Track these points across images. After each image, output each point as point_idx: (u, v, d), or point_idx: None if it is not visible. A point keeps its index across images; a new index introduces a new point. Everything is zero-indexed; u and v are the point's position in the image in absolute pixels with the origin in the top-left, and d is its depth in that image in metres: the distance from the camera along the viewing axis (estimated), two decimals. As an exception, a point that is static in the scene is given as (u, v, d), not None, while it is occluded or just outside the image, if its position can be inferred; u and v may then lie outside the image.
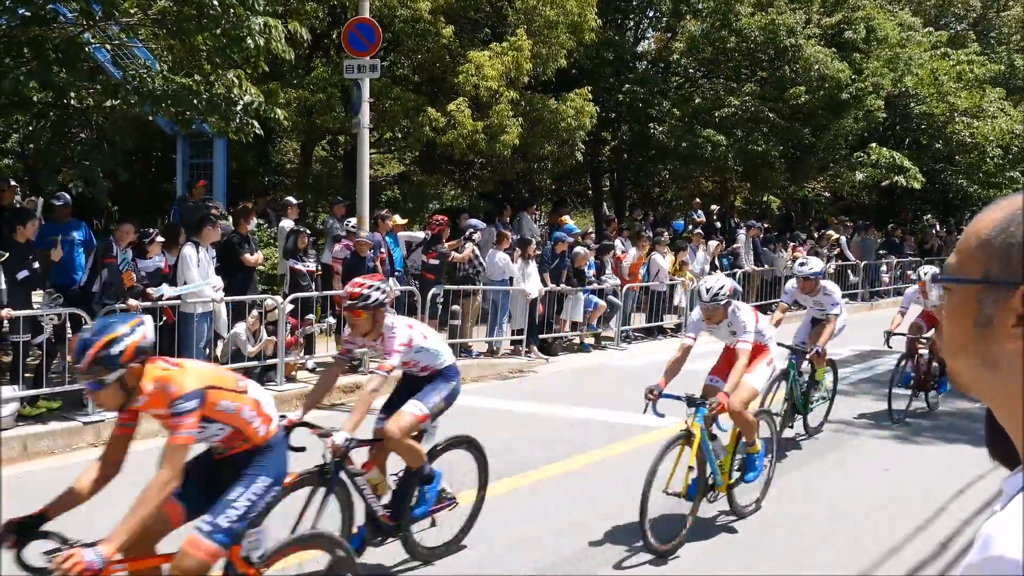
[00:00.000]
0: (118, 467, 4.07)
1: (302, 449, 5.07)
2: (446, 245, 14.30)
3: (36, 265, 9.59)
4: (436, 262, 14.01)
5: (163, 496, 3.86)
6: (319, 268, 13.40)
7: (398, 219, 14.53)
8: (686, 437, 6.54)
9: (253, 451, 4.41)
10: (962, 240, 1.30)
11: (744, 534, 6.87)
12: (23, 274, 9.28)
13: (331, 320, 12.79)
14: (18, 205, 12.22)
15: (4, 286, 9.04)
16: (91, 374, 3.80)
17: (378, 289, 5.76)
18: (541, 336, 14.82)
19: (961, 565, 1.15)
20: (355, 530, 5.75)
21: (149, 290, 10.22)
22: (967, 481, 8.02)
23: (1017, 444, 1.26)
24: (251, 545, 4.35)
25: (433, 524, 6.22)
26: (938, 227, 30.96)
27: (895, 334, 10.69)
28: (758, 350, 7.33)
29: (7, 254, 9.12)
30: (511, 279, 14.49)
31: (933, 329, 10.37)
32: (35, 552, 3.75)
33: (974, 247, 1.27)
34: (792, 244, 21.99)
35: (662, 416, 6.55)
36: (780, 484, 8.12)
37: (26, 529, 3.81)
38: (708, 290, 7.01)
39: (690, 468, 6.60)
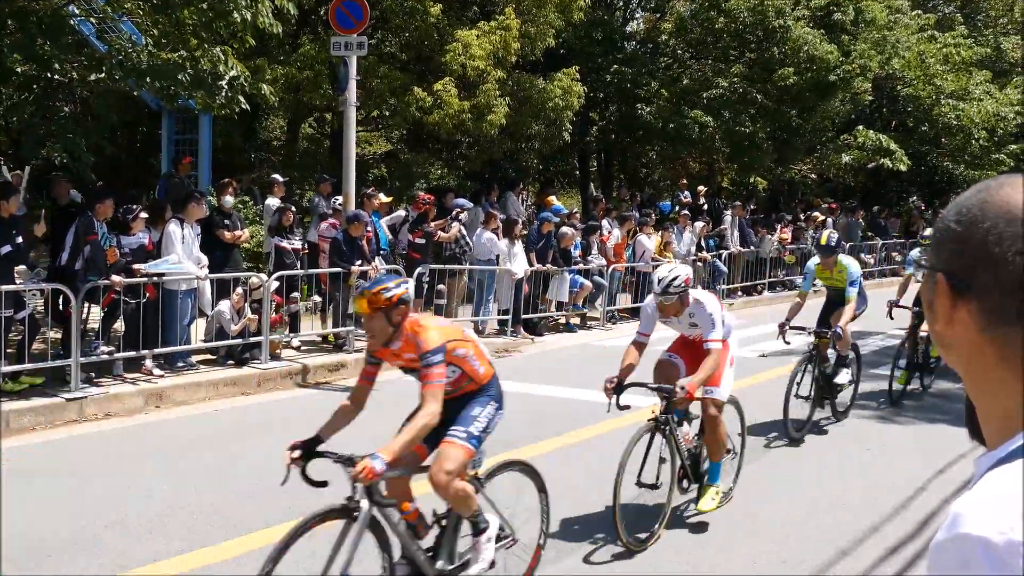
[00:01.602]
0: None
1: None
2: (432, 225, 14.27)
3: (19, 240, 9.52)
4: (422, 241, 13.99)
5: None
6: (305, 246, 13.37)
7: (383, 198, 14.48)
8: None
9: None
10: None
11: (722, 516, 6.91)
12: (6, 249, 9.22)
13: (316, 299, 12.77)
14: (0, 180, 12.14)
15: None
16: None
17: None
18: (526, 316, 14.83)
19: (931, 544, 1.16)
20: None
21: (136, 266, 10.17)
22: (948, 461, 8.09)
23: (981, 422, 1.29)
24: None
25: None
26: (923, 209, 31.06)
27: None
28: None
29: None
30: (497, 258, 14.48)
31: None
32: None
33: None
34: (778, 225, 22.06)
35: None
36: (762, 463, 8.18)
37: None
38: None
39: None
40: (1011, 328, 1.21)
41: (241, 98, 11.10)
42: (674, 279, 6.33)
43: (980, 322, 1.23)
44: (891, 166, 24.76)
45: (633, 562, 5.99)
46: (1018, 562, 1.05)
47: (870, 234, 25.92)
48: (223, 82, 10.73)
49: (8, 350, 9.32)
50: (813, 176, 30.54)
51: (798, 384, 9.03)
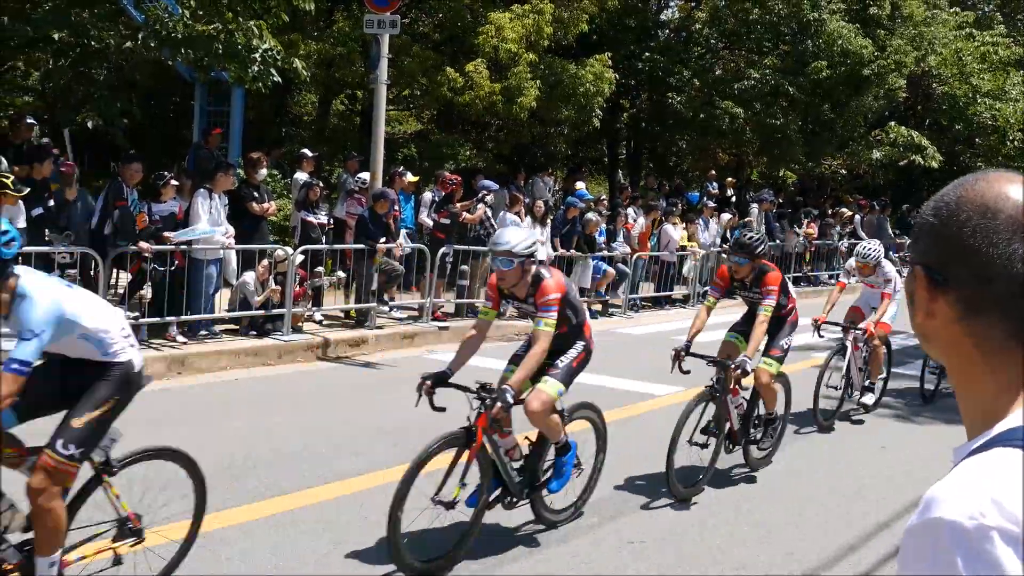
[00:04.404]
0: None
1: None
2: (458, 205, 14.32)
3: (51, 203, 9.68)
4: (447, 221, 14.04)
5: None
6: (331, 221, 13.47)
7: (410, 177, 14.55)
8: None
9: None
10: None
11: (742, 502, 6.96)
12: (37, 211, 9.37)
13: (340, 274, 12.87)
14: (35, 143, 12.31)
15: (24, 223, 9.14)
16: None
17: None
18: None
19: (905, 528, 1.20)
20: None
21: (166, 234, 10.30)
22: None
23: (963, 414, 1.33)
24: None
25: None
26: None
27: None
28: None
29: (27, 189, 9.19)
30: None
31: None
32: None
33: None
34: (805, 220, 21.94)
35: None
36: (777, 458, 8.21)
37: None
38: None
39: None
40: (987, 319, 1.25)
41: (273, 71, 11.19)
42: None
43: (957, 313, 1.27)
44: (923, 163, 24.54)
45: (647, 545, 6.05)
46: (987, 546, 1.08)
47: (897, 231, 25.72)
48: (256, 55, 10.82)
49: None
50: (843, 172, 30.32)
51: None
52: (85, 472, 4.47)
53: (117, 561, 4.66)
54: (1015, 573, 1.07)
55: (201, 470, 4.98)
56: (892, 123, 24.63)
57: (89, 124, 11.24)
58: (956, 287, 1.26)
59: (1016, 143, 27.19)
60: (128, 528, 4.71)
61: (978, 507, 1.11)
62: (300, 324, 11.80)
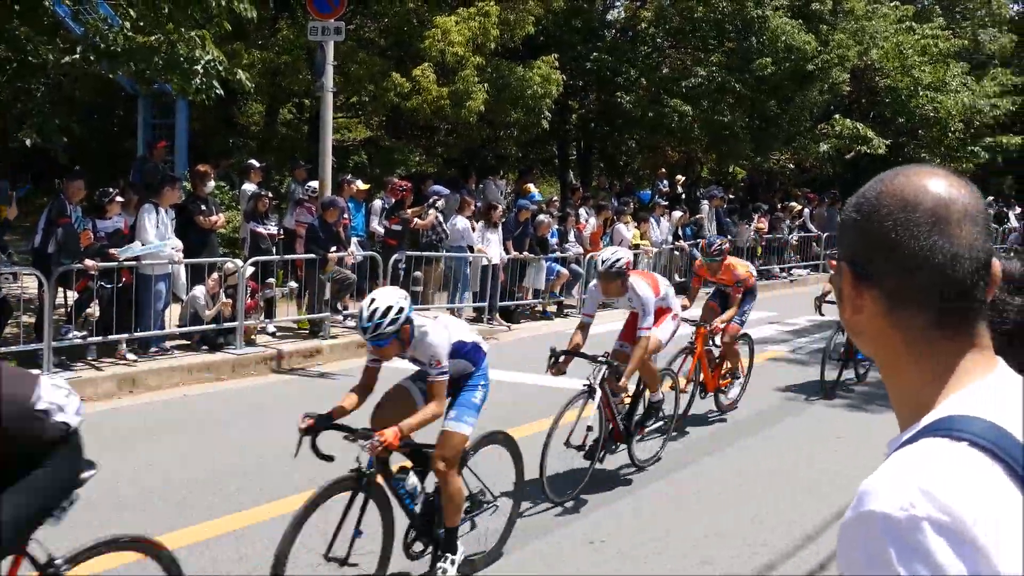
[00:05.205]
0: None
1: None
2: (408, 211, 14.26)
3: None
4: (399, 228, 13.98)
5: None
6: (281, 232, 13.34)
7: (360, 184, 14.46)
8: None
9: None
10: None
11: (695, 492, 6.98)
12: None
13: (292, 284, 12.75)
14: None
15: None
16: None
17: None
18: (503, 304, 14.86)
19: (840, 523, 1.21)
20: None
21: (112, 251, 10.13)
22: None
23: (893, 406, 1.35)
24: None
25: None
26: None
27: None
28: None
29: None
30: (470, 247, 14.50)
31: None
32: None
33: None
34: (756, 215, 22.14)
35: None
36: (738, 445, 8.26)
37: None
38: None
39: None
40: (911, 312, 1.27)
41: (216, 83, 11.04)
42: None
43: (883, 307, 1.29)
44: (869, 152, 24.90)
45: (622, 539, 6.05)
46: (919, 536, 1.10)
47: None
48: (199, 66, 10.67)
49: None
50: (791, 166, 30.65)
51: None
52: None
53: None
54: (946, 562, 1.08)
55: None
56: (837, 116, 24.94)
57: (27, 141, 11.02)
58: (880, 281, 1.28)
59: (957, 134, 27.67)
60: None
61: (908, 498, 1.12)
62: (253, 337, 11.66)
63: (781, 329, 15.11)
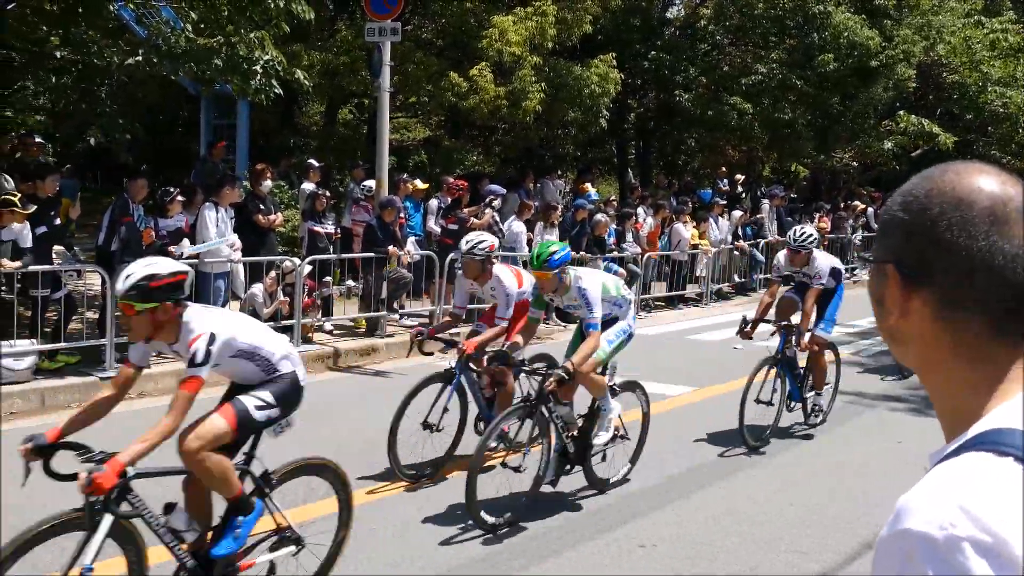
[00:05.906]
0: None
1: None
2: (465, 211, 14.28)
3: (57, 221, 9.70)
4: (455, 227, 14.00)
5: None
6: (338, 231, 13.45)
7: (418, 184, 14.52)
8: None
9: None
10: None
11: (750, 495, 6.88)
12: (41, 229, 9.39)
13: (349, 283, 12.85)
14: (44, 161, 12.34)
15: (31, 243, 9.18)
16: None
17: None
18: (560, 302, 14.77)
19: (877, 540, 1.15)
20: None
21: (171, 248, 10.30)
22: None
23: (939, 417, 1.28)
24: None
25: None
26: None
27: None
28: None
29: (34, 207, 9.21)
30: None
31: None
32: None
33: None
34: (818, 214, 21.80)
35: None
36: (797, 449, 8.13)
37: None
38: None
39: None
40: (964, 315, 1.20)
41: (275, 83, 11.17)
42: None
43: (934, 311, 1.22)
44: (936, 149, 24.28)
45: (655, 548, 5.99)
46: (959, 558, 1.04)
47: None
48: (257, 67, 10.80)
49: (46, 329, 9.51)
50: (855, 164, 30.13)
51: None
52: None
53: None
54: None
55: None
56: (902, 112, 24.42)
57: (92, 141, 11.26)
58: (933, 284, 1.21)
59: (1028, 130, 26.91)
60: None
61: (948, 517, 1.06)
62: (310, 335, 11.77)
63: (843, 331, 14.83)
